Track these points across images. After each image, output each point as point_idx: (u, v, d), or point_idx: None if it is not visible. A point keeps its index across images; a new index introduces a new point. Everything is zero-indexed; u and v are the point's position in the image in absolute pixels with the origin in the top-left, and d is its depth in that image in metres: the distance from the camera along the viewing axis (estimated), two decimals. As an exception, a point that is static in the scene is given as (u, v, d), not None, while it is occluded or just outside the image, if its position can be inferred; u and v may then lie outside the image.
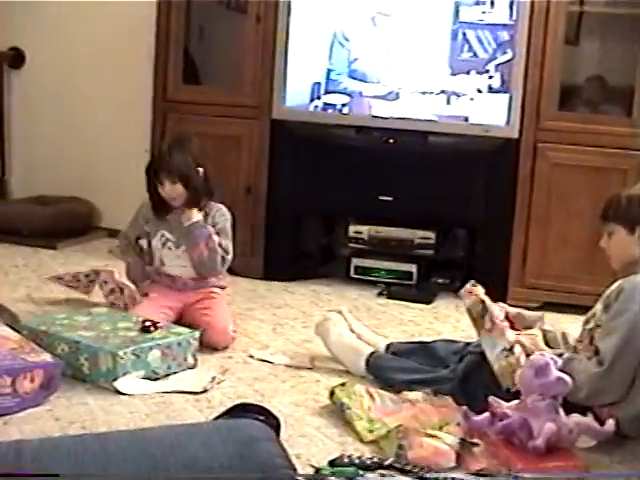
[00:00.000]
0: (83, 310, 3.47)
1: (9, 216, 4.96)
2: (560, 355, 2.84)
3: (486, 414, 2.65)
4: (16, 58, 5.42)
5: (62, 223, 5.07)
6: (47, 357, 2.91)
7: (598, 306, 2.88)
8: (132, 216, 3.76)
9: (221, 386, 3.06)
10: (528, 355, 2.88)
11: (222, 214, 3.68)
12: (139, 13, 4.88)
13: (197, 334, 3.27)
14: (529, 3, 4.04)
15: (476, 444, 2.67)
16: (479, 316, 2.96)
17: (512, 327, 2.97)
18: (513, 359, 2.82)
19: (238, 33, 4.56)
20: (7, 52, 5.41)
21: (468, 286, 3.04)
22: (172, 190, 3.55)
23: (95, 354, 3.01)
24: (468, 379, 2.94)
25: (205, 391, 3.00)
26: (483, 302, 2.97)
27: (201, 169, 3.59)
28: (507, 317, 3.00)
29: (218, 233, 3.62)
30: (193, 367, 3.19)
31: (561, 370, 2.62)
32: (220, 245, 3.60)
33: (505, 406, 2.64)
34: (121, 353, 2.98)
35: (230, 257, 3.66)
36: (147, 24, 4.64)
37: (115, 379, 2.96)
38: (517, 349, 2.85)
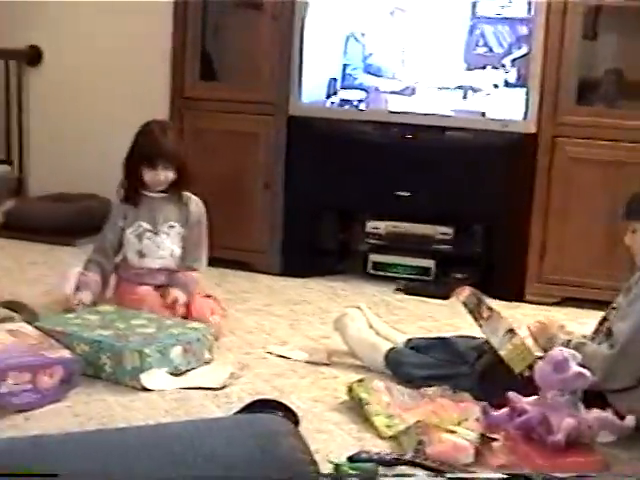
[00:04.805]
0: (90, 309, 3.45)
1: (28, 214, 4.98)
2: (569, 342, 2.85)
3: (505, 409, 2.64)
4: (34, 56, 5.45)
5: (80, 220, 5.08)
6: (66, 353, 2.92)
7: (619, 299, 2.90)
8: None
9: (239, 382, 3.06)
10: (536, 340, 2.90)
11: (196, 203, 3.68)
12: (156, 11, 4.89)
13: (212, 329, 3.29)
14: (547, -4, 4.03)
15: (495, 440, 2.66)
16: (475, 307, 2.99)
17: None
18: (517, 340, 2.82)
19: (254, 30, 4.56)
20: (26, 50, 5.44)
21: (459, 288, 3.13)
22: (165, 176, 3.56)
23: (120, 352, 2.99)
24: (487, 375, 2.94)
25: (224, 387, 3.00)
26: (476, 294, 3.01)
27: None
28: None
29: (185, 224, 3.65)
30: (209, 362, 3.20)
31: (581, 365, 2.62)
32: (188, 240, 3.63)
33: (524, 401, 2.63)
34: (147, 350, 2.98)
35: (206, 249, 3.69)
36: (164, 22, 4.64)
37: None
38: (520, 331, 2.87)
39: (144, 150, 3.58)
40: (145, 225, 3.62)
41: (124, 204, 3.66)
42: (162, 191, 3.64)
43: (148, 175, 3.57)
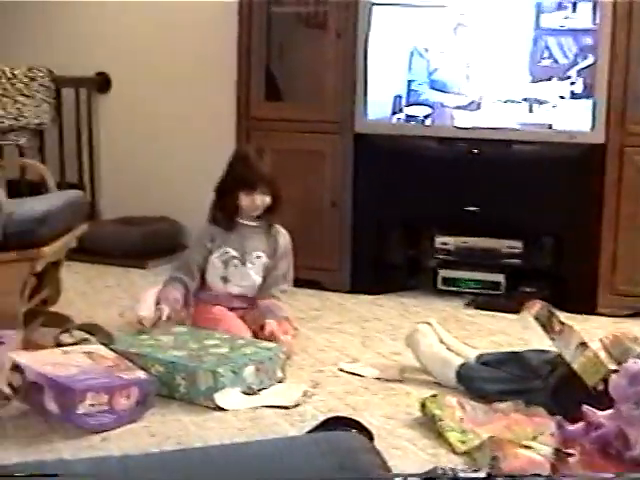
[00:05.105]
0: (164, 329, 3.47)
1: (100, 237, 5.06)
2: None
3: (581, 424, 2.61)
4: (103, 83, 5.55)
5: (151, 243, 5.16)
6: (141, 374, 2.96)
7: None
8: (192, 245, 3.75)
9: (312, 400, 3.08)
10: (609, 352, 2.86)
11: (284, 236, 3.71)
12: (220, 34, 4.95)
13: (284, 348, 3.31)
14: (611, 6, 4.00)
15: (571, 454, 2.63)
16: (547, 321, 2.97)
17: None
18: (590, 353, 2.80)
19: (318, 49, 4.59)
20: (94, 77, 5.54)
21: (529, 302, 3.10)
22: (262, 201, 3.58)
23: (194, 373, 3.02)
24: (561, 389, 2.92)
25: (297, 405, 3.02)
26: (547, 307, 2.99)
27: None
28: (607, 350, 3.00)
29: (272, 256, 3.68)
30: (281, 381, 3.22)
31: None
32: (272, 271, 3.67)
33: (600, 415, 2.60)
34: (221, 370, 3.01)
35: (291, 282, 3.72)
36: (229, 44, 4.70)
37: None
38: (594, 344, 2.84)
39: (242, 174, 3.60)
40: (233, 252, 3.63)
41: (213, 226, 3.67)
42: (255, 218, 3.66)
43: (245, 200, 3.58)
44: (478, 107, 4.24)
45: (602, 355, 2.81)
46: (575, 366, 2.82)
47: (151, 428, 2.83)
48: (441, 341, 3.36)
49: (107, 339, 3.42)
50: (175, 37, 5.31)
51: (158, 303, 3.56)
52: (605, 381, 2.68)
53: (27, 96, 5.01)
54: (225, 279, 3.64)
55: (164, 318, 3.48)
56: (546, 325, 2.98)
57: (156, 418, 2.90)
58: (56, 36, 5.58)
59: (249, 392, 3.07)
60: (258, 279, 3.67)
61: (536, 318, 3.02)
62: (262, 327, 3.51)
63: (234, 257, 3.63)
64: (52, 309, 3.96)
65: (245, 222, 3.66)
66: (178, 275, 3.64)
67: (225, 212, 3.64)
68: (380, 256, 4.54)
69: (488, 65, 4.23)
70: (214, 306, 3.61)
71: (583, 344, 2.84)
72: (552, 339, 2.97)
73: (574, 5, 4.06)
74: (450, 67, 4.28)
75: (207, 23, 5.17)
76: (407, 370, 3.34)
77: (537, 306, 3.04)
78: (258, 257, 3.65)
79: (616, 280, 4.16)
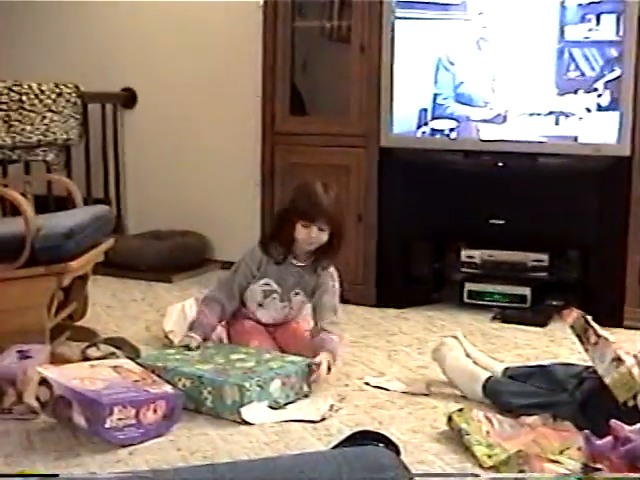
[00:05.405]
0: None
1: (126, 252, 5.09)
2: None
3: (608, 438, 2.59)
4: (129, 98, 5.59)
5: (177, 257, 5.18)
6: (168, 388, 2.97)
7: None
8: (238, 266, 3.59)
9: (339, 414, 3.07)
10: None
11: (330, 275, 3.59)
12: (244, 49, 4.98)
13: (309, 362, 3.30)
14: (636, 17, 3.98)
15: (599, 469, 2.61)
16: (583, 331, 2.94)
17: None
18: (624, 369, 2.77)
19: (342, 63, 4.60)
20: (120, 93, 5.58)
21: (566, 310, 3.06)
22: (317, 236, 3.46)
23: (220, 387, 3.02)
24: (588, 403, 2.89)
25: (323, 419, 3.01)
26: (584, 317, 2.96)
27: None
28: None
29: (312, 294, 3.60)
30: (307, 395, 3.21)
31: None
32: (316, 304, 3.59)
33: (628, 430, 2.59)
34: (247, 385, 3.00)
35: (338, 313, 3.62)
36: (253, 59, 4.73)
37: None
38: (629, 359, 2.81)
39: (302, 204, 3.46)
40: (274, 286, 3.56)
41: (263, 253, 3.56)
42: (307, 258, 3.57)
43: (301, 233, 3.45)
44: (504, 120, 4.24)
45: (635, 372, 2.78)
46: (607, 381, 2.80)
47: (178, 442, 2.83)
48: (467, 355, 3.35)
49: (133, 353, 3.44)
50: (200, 53, 5.34)
51: (191, 328, 3.48)
52: (635, 397, 2.66)
53: (54, 112, 5.05)
54: (260, 305, 3.61)
55: (193, 347, 3.38)
56: (581, 335, 2.95)
57: (183, 432, 2.90)
58: (82, 52, 5.62)
59: (275, 406, 3.08)
60: (292, 314, 3.64)
61: (572, 327, 2.99)
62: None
63: (275, 291, 3.58)
64: (79, 323, 3.99)
65: (294, 262, 3.56)
66: (218, 296, 3.55)
67: (279, 242, 3.53)
68: (406, 269, 4.54)
69: (514, 78, 4.23)
70: (246, 320, 3.61)
71: (618, 359, 2.81)
72: (586, 350, 2.94)
73: (598, 17, 4.05)
74: (476, 80, 4.27)
75: (231, 39, 5.20)
76: (433, 384, 3.33)
77: (574, 315, 3.00)
78: (296, 294, 3.60)
79: (643, 293, 4.14)
